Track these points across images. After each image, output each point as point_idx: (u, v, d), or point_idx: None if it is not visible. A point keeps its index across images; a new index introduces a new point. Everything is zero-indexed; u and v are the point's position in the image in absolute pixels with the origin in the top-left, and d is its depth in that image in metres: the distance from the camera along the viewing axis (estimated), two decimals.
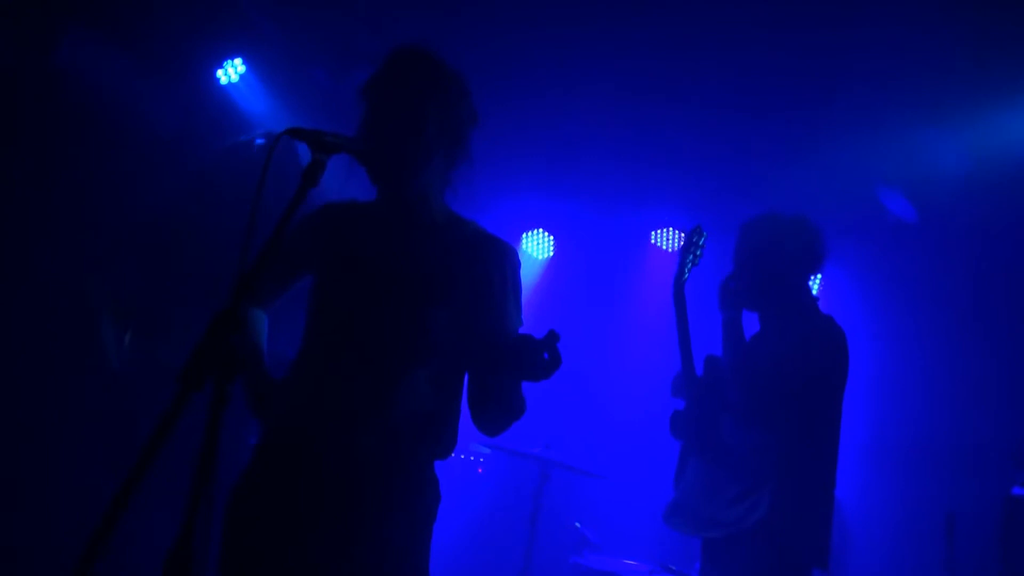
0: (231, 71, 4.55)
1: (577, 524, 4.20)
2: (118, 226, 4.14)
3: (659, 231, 5.69)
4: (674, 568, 3.79)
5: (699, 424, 2.93)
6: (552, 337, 1.62)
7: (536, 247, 5.93)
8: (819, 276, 5.05)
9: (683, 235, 5.46)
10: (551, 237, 5.92)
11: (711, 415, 2.91)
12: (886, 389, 2.73)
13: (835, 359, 2.81)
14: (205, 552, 1.37)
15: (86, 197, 3.97)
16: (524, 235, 5.91)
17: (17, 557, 3.52)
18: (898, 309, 4.78)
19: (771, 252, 2.89)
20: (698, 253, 3.11)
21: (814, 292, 3.07)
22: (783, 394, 2.75)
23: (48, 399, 3.75)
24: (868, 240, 4.84)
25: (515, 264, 1.96)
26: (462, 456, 5.20)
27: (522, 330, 1.85)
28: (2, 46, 3.61)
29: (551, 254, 5.91)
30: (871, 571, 2.71)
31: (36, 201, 3.81)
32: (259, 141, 4.11)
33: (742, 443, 2.79)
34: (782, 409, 2.74)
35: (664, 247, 5.70)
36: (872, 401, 4.15)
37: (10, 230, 3.71)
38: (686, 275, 3.07)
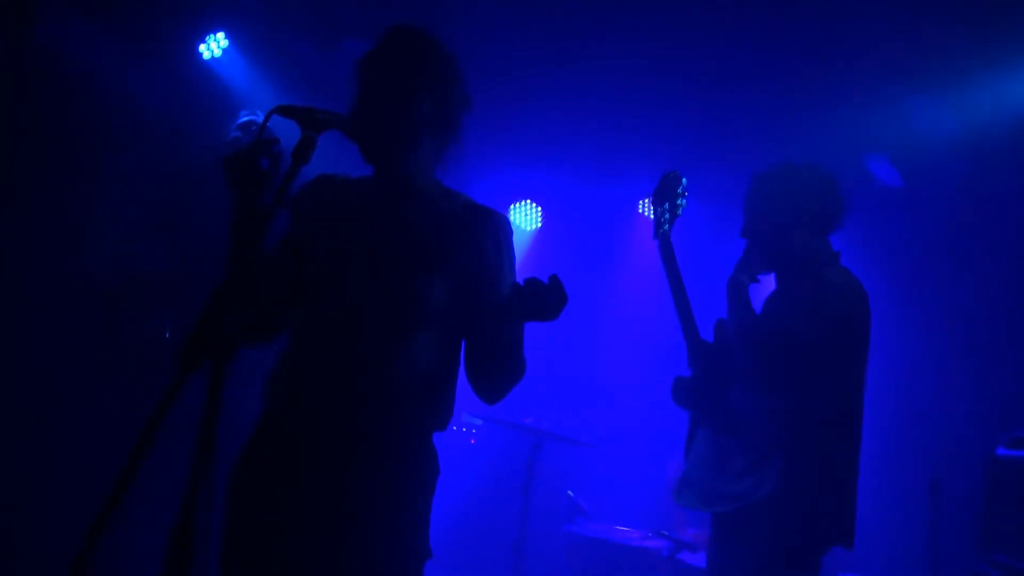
0: (214, 46, 4.49)
1: (570, 493, 4.26)
2: (104, 204, 4.10)
3: (646, 200, 5.70)
4: (666, 534, 3.84)
5: (705, 392, 2.72)
6: (556, 279, 1.72)
7: (524, 218, 5.93)
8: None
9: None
10: (539, 208, 5.92)
11: (719, 382, 2.71)
12: (872, 360, 2.78)
13: (850, 316, 2.62)
14: (207, 530, 1.39)
15: (71, 174, 3.93)
16: (512, 207, 5.91)
17: (23, 536, 3.54)
18: (881, 275, 4.81)
19: (780, 202, 2.70)
20: (679, 203, 2.83)
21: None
22: (792, 355, 2.56)
23: (50, 387, 3.75)
24: (854, 207, 4.86)
25: (508, 233, 1.98)
26: (454, 428, 5.23)
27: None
28: None
29: (539, 225, 5.92)
30: (855, 538, 2.73)
31: (19, 180, 3.77)
32: (235, 134, 4.06)
33: (750, 410, 2.62)
34: (791, 371, 2.56)
35: (652, 216, 5.70)
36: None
37: None
38: (666, 226, 2.80)
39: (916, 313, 4.77)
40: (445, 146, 1.97)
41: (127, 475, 1.30)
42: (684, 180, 2.90)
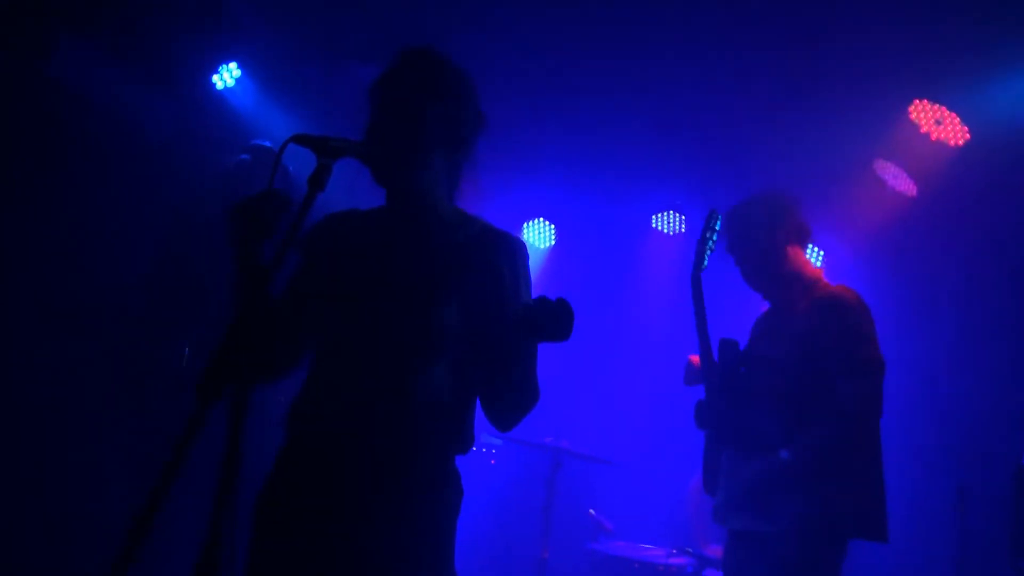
0: (227, 76, 4.55)
1: (591, 511, 4.23)
2: (119, 234, 4.15)
3: (660, 215, 5.70)
4: (691, 551, 3.82)
5: (724, 415, 2.91)
6: (563, 300, 1.72)
7: (537, 236, 5.94)
8: (818, 250, 5.09)
9: (683, 217, 5.54)
10: (552, 226, 5.93)
11: (734, 404, 2.89)
12: (891, 363, 2.74)
13: (862, 329, 2.78)
14: (232, 558, 1.39)
15: (85, 206, 3.97)
16: (525, 225, 5.92)
17: (49, 565, 3.56)
18: (901, 282, 4.79)
19: (753, 230, 2.94)
20: (714, 238, 3.05)
21: (816, 264, 3.09)
22: (814, 376, 2.74)
23: (70, 407, 3.78)
24: (870, 214, 4.84)
25: (524, 258, 1.97)
26: (474, 448, 5.22)
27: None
28: None
29: (553, 243, 5.93)
30: (883, 547, 2.73)
31: (34, 211, 3.81)
32: (243, 156, 4.11)
33: (776, 431, 2.76)
34: (818, 392, 2.72)
35: (665, 230, 5.71)
36: None
37: (9, 240, 3.72)
38: (705, 263, 3.02)
39: (943, 319, 4.73)
40: (458, 165, 1.97)
41: (153, 505, 1.30)
42: (719, 217, 3.06)
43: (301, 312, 1.92)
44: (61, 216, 3.89)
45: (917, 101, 4.49)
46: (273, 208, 1.71)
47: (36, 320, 3.75)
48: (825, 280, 2.99)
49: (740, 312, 3.32)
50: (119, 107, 4.17)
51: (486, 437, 4.79)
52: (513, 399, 1.92)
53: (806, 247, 3.07)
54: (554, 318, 1.71)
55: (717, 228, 3.05)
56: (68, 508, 3.68)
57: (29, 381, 3.69)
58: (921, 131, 4.52)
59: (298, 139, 1.62)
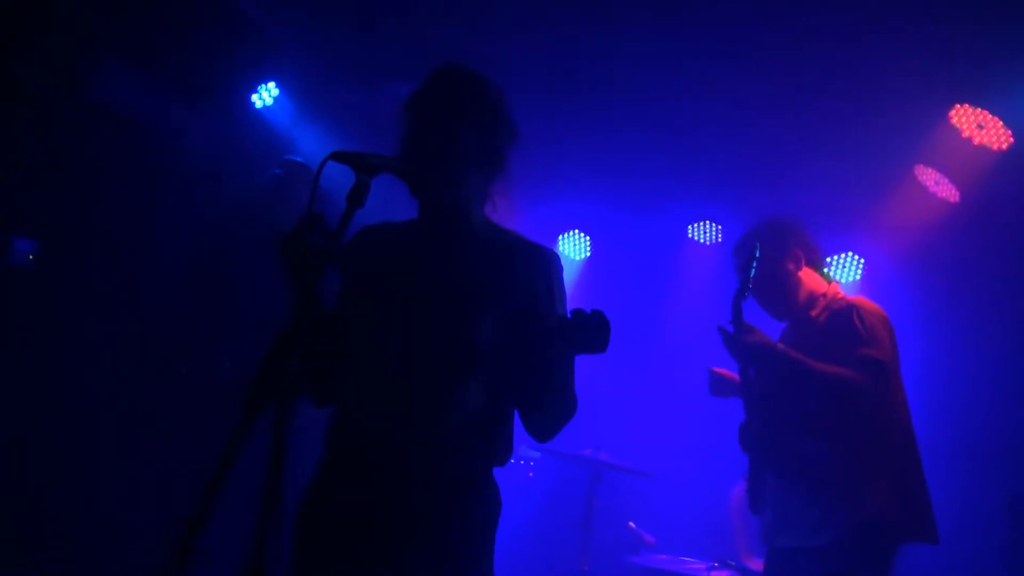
0: (265, 95, 4.63)
1: (631, 524, 4.20)
2: (161, 251, 4.23)
3: (696, 224, 5.67)
4: (734, 564, 3.77)
5: (762, 438, 2.92)
6: (599, 312, 1.73)
7: (573, 248, 5.94)
8: (858, 257, 5.01)
9: (719, 227, 5.50)
10: (587, 238, 5.92)
11: (769, 425, 2.90)
12: (939, 375, 2.68)
13: (862, 329, 2.80)
14: (276, 571, 1.41)
15: (129, 224, 4.07)
16: (560, 237, 5.92)
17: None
18: (946, 292, 4.70)
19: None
20: (754, 265, 2.95)
21: (851, 278, 3.06)
22: (841, 400, 2.74)
23: (115, 418, 3.86)
24: (911, 221, 4.77)
25: (559, 269, 1.98)
26: (512, 461, 5.21)
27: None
28: (38, 82, 3.71)
29: (588, 254, 5.92)
30: (933, 558, 2.69)
31: (81, 230, 3.91)
32: (276, 171, 4.18)
33: (809, 453, 2.79)
34: (841, 415, 2.74)
35: (702, 240, 5.67)
36: (924, 388, 4.09)
37: (59, 258, 3.82)
38: (747, 294, 2.93)
39: (988, 325, 4.63)
40: (492, 179, 1.98)
41: (199, 521, 1.33)
42: (758, 245, 2.93)
43: (347, 329, 1.93)
44: (106, 233, 3.98)
45: (958, 105, 4.42)
46: (318, 234, 1.71)
47: (83, 333, 3.84)
48: (842, 293, 3.02)
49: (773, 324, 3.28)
50: (160, 126, 4.26)
51: (524, 450, 4.78)
52: (551, 411, 1.92)
53: (818, 262, 3.07)
54: (590, 331, 1.72)
55: (758, 256, 2.92)
56: (115, 518, 3.75)
57: (78, 393, 3.78)
58: (963, 136, 4.44)
59: (336, 156, 1.64)
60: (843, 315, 2.85)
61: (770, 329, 3.02)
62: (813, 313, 2.98)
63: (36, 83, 3.70)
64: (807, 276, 3.03)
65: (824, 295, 3.00)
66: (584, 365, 2.00)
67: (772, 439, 2.89)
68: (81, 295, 3.87)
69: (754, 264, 2.91)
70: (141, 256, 4.13)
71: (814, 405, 2.79)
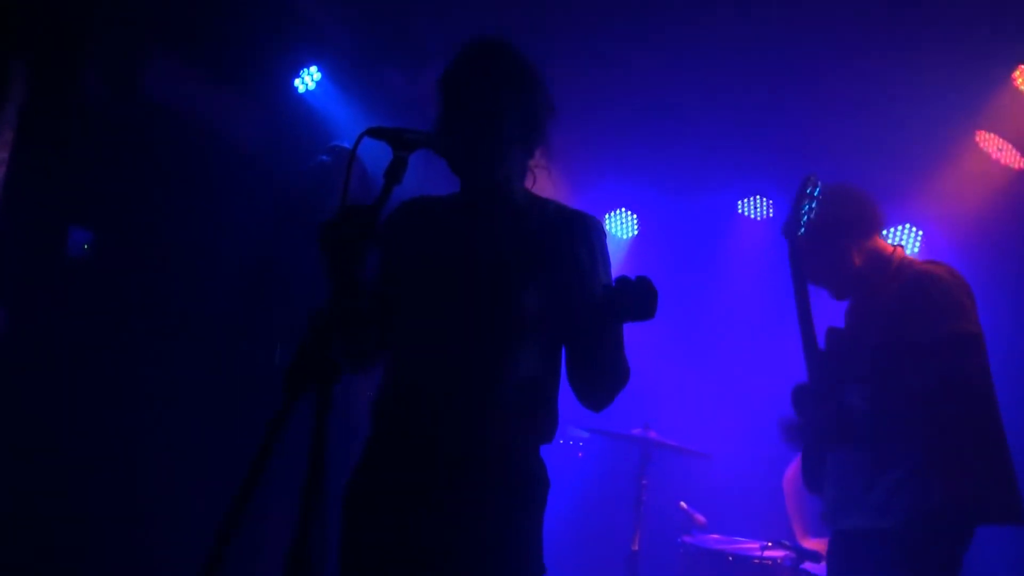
0: (308, 79, 4.65)
1: (682, 504, 4.16)
2: (214, 240, 4.30)
3: (745, 200, 5.54)
4: (787, 543, 3.70)
5: (827, 403, 2.73)
6: (644, 278, 1.71)
7: (620, 227, 5.87)
8: (916, 230, 4.84)
9: (770, 202, 5.37)
10: (634, 216, 5.85)
11: (838, 392, 2.72)
12: (1000, 356, 2.57)
13: (944, 302, 2.63)
14: (323, 551, 1.41)
15: (181, 219, 4.13)
16: (607, 216, 5.85)
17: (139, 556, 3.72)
18: (1008, 263, 4.51)
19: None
20: (813, 205, 2.79)
21: (909, 251, 2.90)
22: (905, 358, 2.58)
23: (170, 405, 3.95)
24: (972, 190, 4.59)
25: (601, 235, 1.96)
26: (560, 441, 5.20)
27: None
28: (91, 80, 3.78)
29: (636, 232, 5.84)
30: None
31: (133, 222, 3.98)
32: (323, 158, 4.19)
33: (876, 421, 2.62)
34: (917, 380, 2.57)
35: (752, 215, 5.55)
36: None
37: (114, 251, 3.90)
38: (802, 228, 2.77)
39: None
40: (532, 153, 1.97)
41: (243, 501, 1.33)
42: (819, 184, 2.81)
43: (387, 301, 1.93)
44: (158, 225, 4.05)
45: (1022, 66, 4.22)
46: (357, 226, 1.68)
47: (137, 322, 3.92)
48: (911, 259, 2.83)
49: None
50: (207, 116, 4.31)
51: (573, 430, 4.76)
52: (603, 380, 1.90)
53: (877, 233, 2.87)
54: (637, 297, 1.69)
55: (816, 196, 2.79)
56: (165, 501, 3.84)
57: (136, 383, 3.87)
58: None
59: (373, 132, 1.63)
60: (918, 284, 2.67)
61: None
62: (881, 283, 2.78)
63: (93, 81, 3.77)
64: (872, 246, 2.84)
65: (891, 262, 2.80)
66: (633, 343, 1.97)
67: (835, 409, 2.70)
68: (135, 285, 3.95)
69: (811, 204, 2.74)
70: (193, 246, 4.20)
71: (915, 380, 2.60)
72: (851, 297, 2.93)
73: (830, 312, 2.96)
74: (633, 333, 1.91)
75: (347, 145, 4.24)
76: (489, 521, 1.79)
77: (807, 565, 3.58)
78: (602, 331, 1.83)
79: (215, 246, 4.26)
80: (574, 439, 5.26)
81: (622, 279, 1.71)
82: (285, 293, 4.18)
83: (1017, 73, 4.23)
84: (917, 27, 4.00)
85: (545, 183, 2.04)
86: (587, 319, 1.83)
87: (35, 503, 3.36)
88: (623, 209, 5.85)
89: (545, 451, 1.92)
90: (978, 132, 4.55)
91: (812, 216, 2.78)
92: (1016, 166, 4.54)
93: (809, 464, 2.86)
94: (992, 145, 4.56)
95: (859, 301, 2.91)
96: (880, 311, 2.73)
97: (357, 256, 1.62)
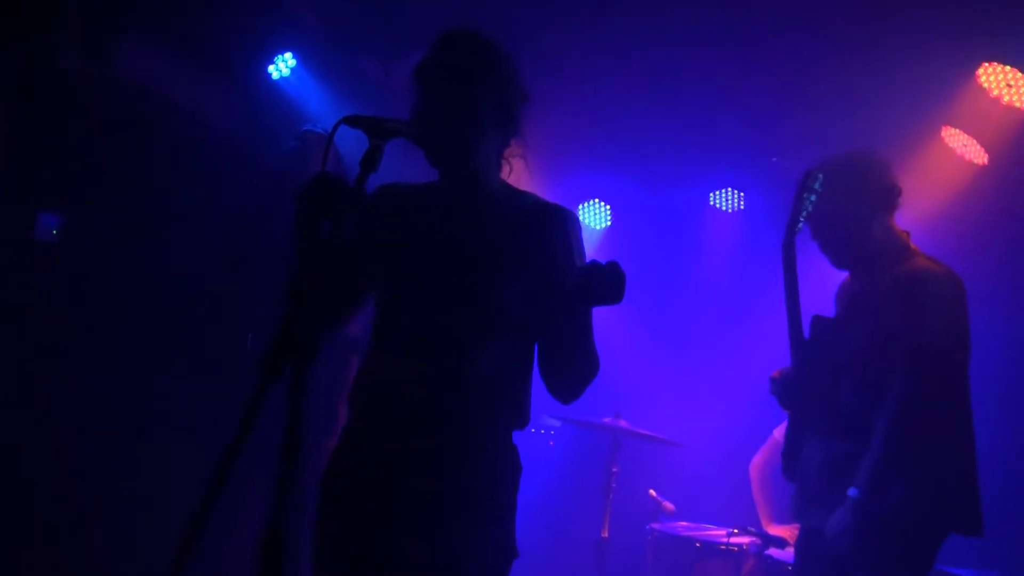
0: (282, 66, 4.61)
1: (651, 491, 4.21)
2: (185, 228, 4.26)
3: (717, 192, 5.60)
4: (753, 530, 3.77)
5: (812, 393, 2.72)
6: (613, 262, 1.75)
7: (593, 217, 5.90)
8: None
9: (741, 195, 5.41)
10: (607, 206, 5.88)
11: (824, 382, 2.71)
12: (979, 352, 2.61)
13: (954, 309, 2.61)
14: (297, 537, 1.42)
15: (150, 201, 4.09)
16: (580, 206, 5.88)
17: (115, 538, 3.71)
18: (974, 258, 4.59)
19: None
20: (812, 199, 2.70)
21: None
22: (887, 358, 2.57)
23: (140, 390, 3.92)
24: (938, 185, 4.67)
25: (576, 227, 1.99)
26: (532, 430, 5.24)
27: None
28: (62, 57, 3.73)
29: (608, 223, 5.88)
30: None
31: (106, 204, 3.95)
32: (293, 143, 4.17)
33: (859, 410, 2.61)
34: (898, 373, 2.54)
35: (723, 207, 5.61)
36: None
37: (87, 234, 3.86)
38: (799, 227, 2.70)
39: (1022, 296, 4.52)
40: (508, 142, 1.99)
41: (217, 484, 1.34)
42: (820, 177, 2.72)
43: (360, 269, 1.95)
44: (128, 207, 4.01)
45: (986, 64, 4.30)
46: (333, 188, 1.70)
47: (106, 307, 3.89)
48: (917, 250, 2.74)
49: (827, 280, 3.07)
50: (179, 99, 4.27)
51: (545, 418, 4.80)
52: (572, 369, 1.92)
53: (893, 212, 2.78)
54: (605, 279, 1.73)
55: (816, 188, 2.69)
56: (140, 492, 3.82)
57: (104, 368, 3.84)
58: (990, 95, 4.33)
59: (350, 120, 1.64)
60: (911, 281, 2.61)
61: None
62: (885, 267, 2.69)
63: (67, 61, 3.72)
64: (882, 224, 2.73)
65: (897, 255, 2.71)
66: (604, 332, 1.99)
67: (819, 396, 2.70)
68: (104, 268, 3.91)
69: (810, 198, 2.66)
70: (163, 229, 4.16)
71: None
72: (850, 271, 2.86)
73: (816, 303, 2.96)
74: (605, 322, 1.94)
75: (317, 130, 4.21)
76: (464, 505, 1.81)
77: (772, 551, 3.65)
78: (572, 315, 1.86)
79: (182, 229, 4.23)
80: (545, 427, 5.31)
81: (593, 263, 1.75)
82: (255, 277, 4.15)
83: (981, 70, 4.31)
84: (883, 24, 4.05)
85: (521, 173, 2.06)
86: (559, 302, 1.85)
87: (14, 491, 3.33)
88: (596, 200, 5.89)
89: (517, 439, 1.95)
90: (944, 128, 4.63)
91: (810, 211, 2.72)
92: (980, 162, 4.63)
93: (789, 450, 2.83)
94: (958, 141, 4.65)
95: (853, 286, 2.85)
96: (871, 305, 2.69)
97: (329, 210, 1.63)
